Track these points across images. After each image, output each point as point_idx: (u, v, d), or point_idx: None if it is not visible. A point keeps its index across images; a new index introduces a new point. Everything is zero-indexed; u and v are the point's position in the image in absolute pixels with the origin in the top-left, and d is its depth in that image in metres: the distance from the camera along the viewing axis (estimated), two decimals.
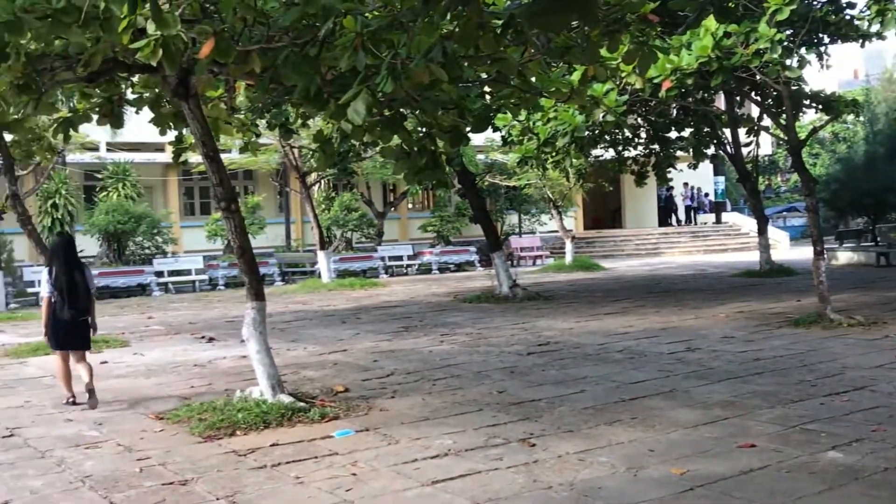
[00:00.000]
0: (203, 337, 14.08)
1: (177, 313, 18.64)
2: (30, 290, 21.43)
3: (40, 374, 10.78)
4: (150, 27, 5.45)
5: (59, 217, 24.69)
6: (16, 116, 7.61)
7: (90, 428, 7.77)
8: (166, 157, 24.80)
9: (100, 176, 27.19)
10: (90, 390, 8.61)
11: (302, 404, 7.93)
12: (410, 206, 34.94)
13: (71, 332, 8.81)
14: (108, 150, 27.03)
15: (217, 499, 5.62)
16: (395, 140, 7.41)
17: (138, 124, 12.64)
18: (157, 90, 8.83)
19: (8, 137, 14.46)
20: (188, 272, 25.58)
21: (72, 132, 8.80)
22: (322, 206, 28.97)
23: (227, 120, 10.02)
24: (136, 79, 9.01)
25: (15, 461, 6.72)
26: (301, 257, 28.86)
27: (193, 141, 9.03)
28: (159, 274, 24.93)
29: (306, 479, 5.97)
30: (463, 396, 8.52)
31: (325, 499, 5.54)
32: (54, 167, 22.46)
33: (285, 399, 7.97)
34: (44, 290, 8.87)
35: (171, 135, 9.82)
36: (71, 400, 8.79)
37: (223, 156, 8.73)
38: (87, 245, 25.74)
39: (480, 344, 12.09)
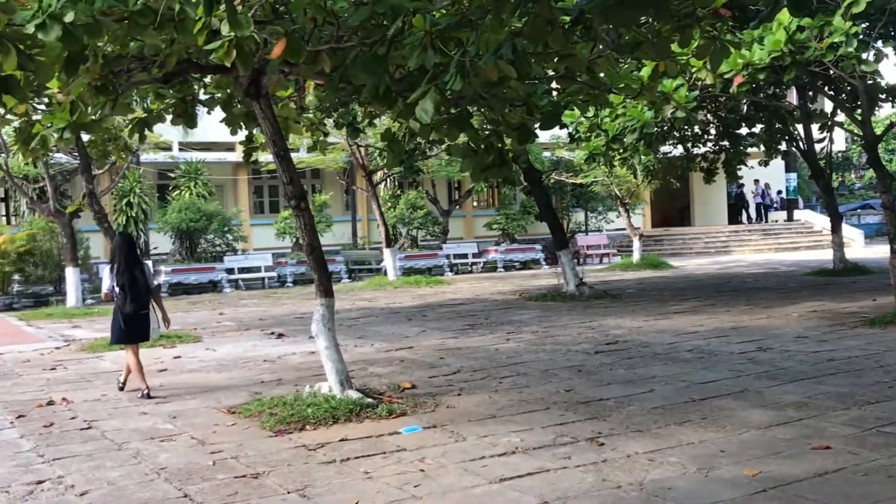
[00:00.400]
0: (272, 333, 14.30)
1: (247, 310, 18.95)
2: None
3: (115, 368, 11.03)
4: (224, 28, 5.55)
5: (134, 215, 25.28)
6: (93, 117, 7.79)
7: (165, 421, 7.95)
8: (237, 156, 25.31)
9: (172, 175, 27.79)
10: (121, 387, 9.41)
11: (370, 400, 8.00)
12: (475, 203, 34.94)
13: (133, 325, 9.22)
14: (180, 149, 27.66)
15: (288, 492, 5.70)
16: (462, 138, 7.42)
17: (210, 124, 12.91)
18: (229, 90, 8.98)
19: (85, 138, 14.91)
20: (258, 269, 25.98)
21: (146, 132, 9.00)
22: (388, 204, 29.17)
23: (297, 119, 10.16)
24: (208, 79, 9.18)
25: (92, 453, 6.90)
26: (367, 255, 29.12)
27: (264, 140, 9.18)
28: (230, 271, 25.37)
29: (375, 474, 6.03)
30: (530, 395, 8.49)
31: (394, 494, 5.58)
32: (129, 166, 22.99)
33: (353, 395, 8.05)
34: (105, 285, 9.33)
35: (242, 134, 10.02)
36: (146, 393, 9.02)
37: (292, 155, 8.86)
38: (161, 242, 26.38)
39: (547, 342, 12.04)
